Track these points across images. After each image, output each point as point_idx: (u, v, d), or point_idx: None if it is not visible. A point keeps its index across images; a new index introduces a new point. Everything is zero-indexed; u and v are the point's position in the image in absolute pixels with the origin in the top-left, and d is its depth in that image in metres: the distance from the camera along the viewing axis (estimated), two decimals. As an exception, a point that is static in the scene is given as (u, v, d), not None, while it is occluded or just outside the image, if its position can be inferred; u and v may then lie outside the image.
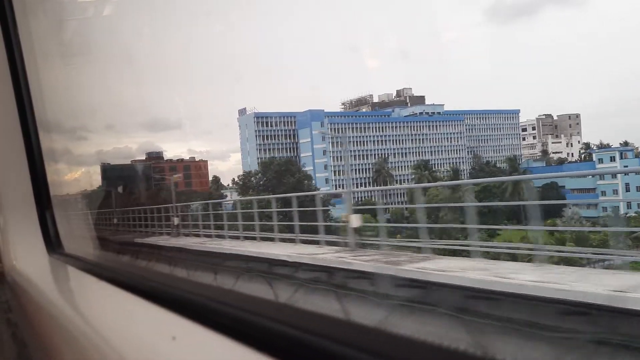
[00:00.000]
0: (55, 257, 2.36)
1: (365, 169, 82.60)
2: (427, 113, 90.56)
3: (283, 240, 12.91)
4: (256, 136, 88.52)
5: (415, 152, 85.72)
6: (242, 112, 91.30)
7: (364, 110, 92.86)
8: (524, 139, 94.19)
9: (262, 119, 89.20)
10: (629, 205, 46.22)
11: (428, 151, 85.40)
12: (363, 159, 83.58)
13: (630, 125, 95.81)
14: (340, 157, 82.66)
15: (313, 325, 0.80)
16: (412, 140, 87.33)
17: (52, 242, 2.46)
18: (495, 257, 8.93)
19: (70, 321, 1.30)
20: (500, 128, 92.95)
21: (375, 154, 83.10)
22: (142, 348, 1.01)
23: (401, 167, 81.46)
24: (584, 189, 58.72)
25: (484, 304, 5.73)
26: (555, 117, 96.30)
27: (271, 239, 13.01)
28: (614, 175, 55.35)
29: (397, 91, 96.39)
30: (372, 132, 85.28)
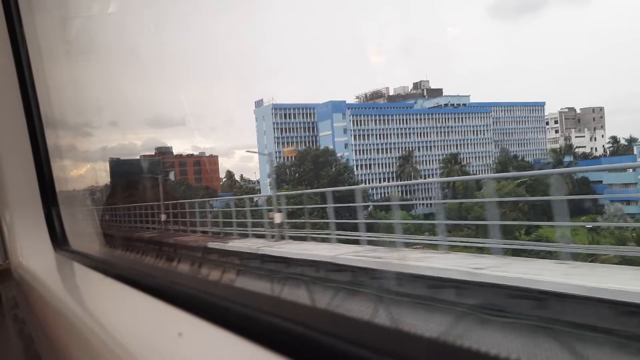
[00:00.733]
0: (61, 254, 2.37)
1: (389, 163, 79.05)
2: (452, 105, 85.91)
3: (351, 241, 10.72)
4: (274, 128, 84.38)
5: (441, 146, 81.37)
6: (258, 103, 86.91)
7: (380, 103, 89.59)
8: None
9: (280, 110, 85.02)
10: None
11: (453, 144, 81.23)
12: (386, 152, 79.68)
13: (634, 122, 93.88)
14: (364, 150, 78.62)
15: (320, 323, 0.81)
16: (437, 132, 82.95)
17: (58, 238, 2.47)
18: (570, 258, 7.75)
19: (77, 317, 1.31)
20: (525, 121, 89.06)
21: (399, 147, 79.39)
22: (148, 344, 1.01)
23: (427, 161, 77.81)
24: (624, 184, 53.64)
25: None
26: (578, 111, 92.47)
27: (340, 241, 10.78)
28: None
29: (414, 84, 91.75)
30: (396, 124, 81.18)
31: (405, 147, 78.18)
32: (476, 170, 74.67)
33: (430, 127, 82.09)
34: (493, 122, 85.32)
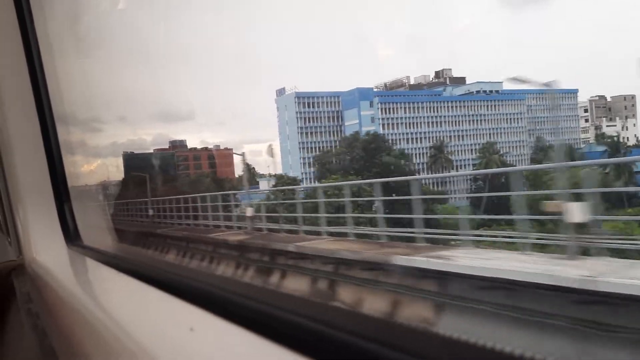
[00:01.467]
0: (73, 249, 2.39)
1: (419, 154, 73.77)
2: (485, 91, 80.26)
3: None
4: (297, 118, 79.37)
5: (473, 135, 76.49)
6: (280, 92, 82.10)
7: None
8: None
9: (303, 99, 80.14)
10: None
11: (486, 133, 76.61)
12: (416, 142, 74.69)
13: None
14: (393, 140, 73.16)
15: (333, 319, 0.81)
16: (469, 121, 77.72)
17: (71, 234, 2.49)
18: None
19: (90, 312, 1.32)
20: (557, 109, 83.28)
21: (429, 137, 74.58)
22: (160, 338, 1.02)
23: (459, 150, 73.35)
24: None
25: None
26: (608, 99, 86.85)
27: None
28: None
29: (436, 72, 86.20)
30: (426, 112, 76.35)
31: (436, 137, 74.00)
32: (515, 161, 70.16)
33: (462, 116, 77.59)
34: (527, 110, 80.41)
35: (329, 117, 79.93)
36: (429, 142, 73.53)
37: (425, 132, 74.28)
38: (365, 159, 57.64)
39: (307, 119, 79.16)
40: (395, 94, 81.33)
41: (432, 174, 68.75)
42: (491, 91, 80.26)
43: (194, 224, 21.35)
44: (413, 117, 75.08)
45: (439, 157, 69.79)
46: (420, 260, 7.89)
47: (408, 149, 73.00)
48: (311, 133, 78.84)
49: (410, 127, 74.76)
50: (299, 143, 77.39)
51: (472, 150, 72.61)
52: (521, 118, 79.08)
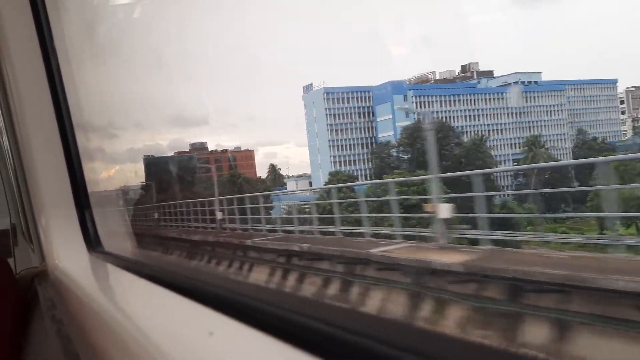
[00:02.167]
0: (95, 256, 2.44)
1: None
2: (523, 82, 75.76)
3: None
4: (326, 115, 75.67)
5: (512, 128, 72.16)
6: (307, 88, 78.45)
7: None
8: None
9: (332, 94, 76.07)
10: None
11: (526, 127, 72.33)
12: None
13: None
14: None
15: (353, 323, 0.82)
16: (507, 114, 73.30)
17: (92, 240, 2.53)
18: None
19: (112, 317, 1.35)
20: (596, 100, 78.53)
21: (467, 131, 69.79)
22: (180, 342, 1.04)
23: (499, 145, 69.40)
24: None
25: None
26: None
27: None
28: None
29: (462, 66, 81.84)
30: (463, 105, 71.97)
31: (473, 131, 69.98)
32: (558, 155, 66.56)
33: (500, 108, 73.29)
34: (568, 102, 75.94)
35: (359, 113, 76.36)
36: (466, 136, 68.75)
37: (462, 127, 69.68)
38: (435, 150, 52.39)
39: (336, 116, 75.80)
40: (429, 87, 76.91)
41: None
42: (529, 82, 75.93)
43: (242, 229, 19.19)
44: (449, 111, 70.82)
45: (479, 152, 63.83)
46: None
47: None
48: (341, 130, 75.45)
49: (446, 122, 69.19)
50: (329, 141, 74.38)
51: (512, 144, 69.17)
52: (561, 110, 75.02)
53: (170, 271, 1.59)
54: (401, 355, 0.70)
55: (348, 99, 76.92)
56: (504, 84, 75.83)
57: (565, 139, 73.07)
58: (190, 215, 26.17)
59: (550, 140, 69.82)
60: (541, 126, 73.30)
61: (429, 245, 10.47)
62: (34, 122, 2.53)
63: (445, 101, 72.25)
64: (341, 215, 14.27)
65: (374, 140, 74.32)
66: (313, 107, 77.22)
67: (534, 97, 74.28)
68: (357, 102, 76.90)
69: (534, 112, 74.33)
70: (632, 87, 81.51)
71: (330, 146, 73.81)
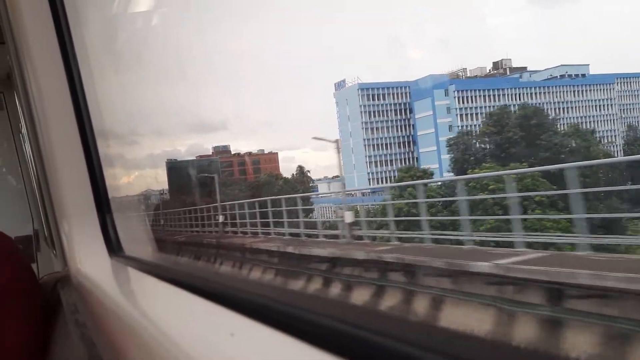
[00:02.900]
0: (116, 260, 2.47)
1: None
2: (570, 76, 71.30)
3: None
4: (361, 112, 70.57)
5: (560, 124, 64.14)
6: (339, 85, 73.49)
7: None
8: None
9: (367, 91, 70.74)
10: None
11: (573, 122, 65.67)
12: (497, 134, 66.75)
13: None
14: (472, 132, 61.98)
15: (378, 324, 0.82)
16: (554, 109, 67.57)
17: (113, 245, 2.56)
18: None
19: (134, 319, 1.36)
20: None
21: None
22: (202, 343, 1.05)
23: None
24: None
25: None
26: None
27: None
28: None
29: (494, 63, 77.75)
30: (507, 100, 66.50)
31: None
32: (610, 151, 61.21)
33: (546, 103, 67.77)
34: (618, 96, 70.79)
35: (395, 110, 71.74)
36: (511, 133, 62.12)
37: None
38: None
39: (371, 113, 71.16)
40: (472, 81, 72.23)
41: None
42: (577, 75, 71.90)
43: (306, 234, 16.43)
44: (494, 107, 64.38)
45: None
46: None
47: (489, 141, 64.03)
48: (377, 129, 70.84)
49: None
50: (364, 140, 70.29)
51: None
52: (611, 105, 70.70)
53: (190, 274, 1.60)
54: (427, 356, 0.69)
55: (384, 95, 72.21)
56: (550, 77, 71.67)
57: (616, 135, 68.36)
58: (230, 219, 23.74)
59: (605, 137, 64.69)
60: (590, 122, 68.67)
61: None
62: (56, 130, 2.57)
63: (488, 96, 67.74)
64: (433, 218, 11.96)
65: (412, 139, 70.38)
66: (346, 105, 72.57)
67: (582, 91, 69.67)
68: (393, 98, 72.07)
69: (583, 106, 70.04)
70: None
71: (365, 145, 69.82)
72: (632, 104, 73.11)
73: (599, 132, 65.78)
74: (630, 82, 74.65)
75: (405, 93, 72.94)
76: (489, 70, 79.03)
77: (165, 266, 1.95)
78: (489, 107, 65.73)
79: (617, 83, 73.23)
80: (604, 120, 70.89)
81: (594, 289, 6.68)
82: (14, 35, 2.81)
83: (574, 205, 9.24)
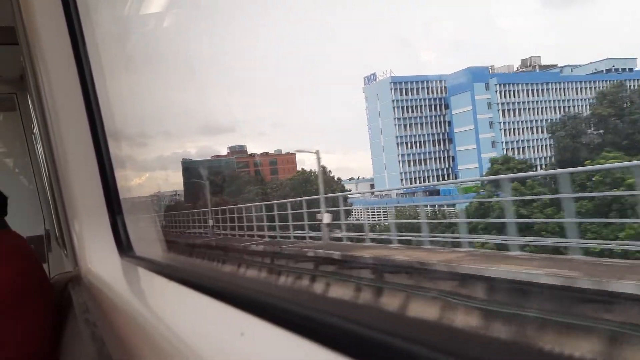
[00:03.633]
0: (126, 260, 2.48)
1: (543, 146, 58.93)
2: (617, 70, 65.79)
3: None
4: (394, 108, 65.36)
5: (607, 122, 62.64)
6: (369, 79, 68.05)
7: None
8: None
9: (400, 84, 65.37)
10: None
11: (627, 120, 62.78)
12: (541, 132, 59.47)
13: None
14: (514, 129, 58.81)
15: (387, 324, 0.81)
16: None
17: (124, 245, 2.58)
18: None
19: (144, 319, 1.37)
20: None
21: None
22: (211, 343, 1.05)
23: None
24: None
25: None
26: None
27: None
28: None
29: (522, 60, 72.79)
30: (552, 95, 62.25)
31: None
32: None
33: (593, 99, 59.98)
34: None
35: (430, 106, 66.94)
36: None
37: (550, 120, 59.07)
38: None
39: (404, 109, 66.18)
40: (516, 75, 66.87)
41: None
42: (624, 69, 66.51)
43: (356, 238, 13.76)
44: (536, 102, 61.50)
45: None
46: None
47: (532, 140, 59.00)
48: (410, 125, 65.85)
49: (533, 114, 61.22)
50: (396, 137, 65.43)
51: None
52: None
53: (200, 274, 1.61)
54: (438, 356, 0.69)
55: (417, 89, 67.19)
56: (595, 71, 66.72)
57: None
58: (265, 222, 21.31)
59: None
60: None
61: None
62: (68, 131, 2.59)
63: (532, 90, 62.55)
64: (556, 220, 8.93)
65: (447, 137, 65.38)
66: (377, 100, 67.33)
67: (631, 87, 61.56)
68: (428, 93, 66.54)
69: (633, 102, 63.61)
70: None
71: (398, 143, 64.99)
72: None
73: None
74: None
75: (441, 87, 67.66)
76: (517, 68, 75.12)
77: (176, 266, 1.96)
78: (531, 102, 60.78)
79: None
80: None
81: None
82: (27, 36, 2.84)
83: None
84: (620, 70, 66.97)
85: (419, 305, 9.02)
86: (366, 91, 70.30)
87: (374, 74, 68.37)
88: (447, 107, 67.38)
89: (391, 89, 66.53)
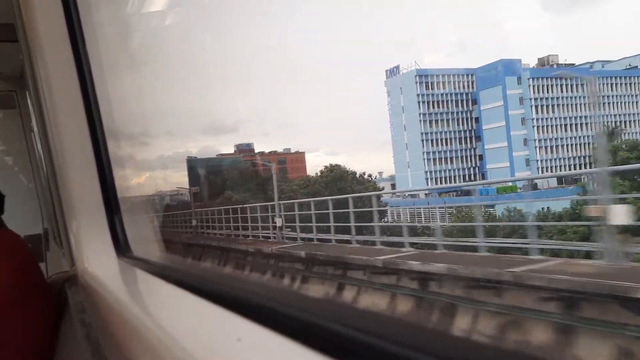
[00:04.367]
0: (124, 260, 2.46)
1: (577, 144, 55.40)
2: None
3: None
4: (419, 103, 61.53)
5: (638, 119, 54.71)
6: (392, 72, 63.99)
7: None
8: None
9: (426, 78, 61.08)
10: None
11: None
12: (571, 130, 56.43)
13: None
14: (547, 126, 54.87)
15: (387, 331, 0.80)
16: (634, 103, 58.64)
17: (121, 246, 2.56)
18: None
19: (140, 321, 1.35)
20: None
21: (590, 123, 55.29)
22: (207, 347, 1.03)
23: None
24: None
25: None
26: None
27: None
28: None
29: (539, 59, 69.71)
30: (587, 91, 57.91)
31: (601, 123, 55.75)
32: None
33: (627, 96, 59.05)
34: None
35: (456, 101, 62.94)
36: (587, 129, 55.60)
37: (583, 117, 56.35)
38: None
39: (429, 104, 62.13)
40: (550, 69, 63.24)
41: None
42: None
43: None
44: (571, 98, 57.82)
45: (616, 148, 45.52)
46: None
47: (566, 138, 54.50)
48: (435, 121, 61.69)
49: (568, 110, 57.09)
50: (421, 134, 61.62)
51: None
52: None
53: (197, 276, 1.59)
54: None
55: (443, 83, 63.17)
56: (629, 67, 63.51)
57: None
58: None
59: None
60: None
61: None
62: (67, 129, 2.57)
63: (566, 85, 58.67)
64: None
65: (474, 134, 60.15)
66: (400, 94, 62.98)
67: None
68: (455, 87, 62.33)
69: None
70: None
71: (423, 140, 60.97)
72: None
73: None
74: None
75: (469, 82, 63.07)
76: (534, 66, 71.69)
77: (173, 268, 1.94)
78: (567, 98, 55.96)
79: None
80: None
81: None
82: (27, 33, 2.82)
83: None
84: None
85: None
86: (388, 85, 65.85)
87: (397, 67, 64.16)
88: (474, 102, 63.42)
89: (416, 83, 62.22)
